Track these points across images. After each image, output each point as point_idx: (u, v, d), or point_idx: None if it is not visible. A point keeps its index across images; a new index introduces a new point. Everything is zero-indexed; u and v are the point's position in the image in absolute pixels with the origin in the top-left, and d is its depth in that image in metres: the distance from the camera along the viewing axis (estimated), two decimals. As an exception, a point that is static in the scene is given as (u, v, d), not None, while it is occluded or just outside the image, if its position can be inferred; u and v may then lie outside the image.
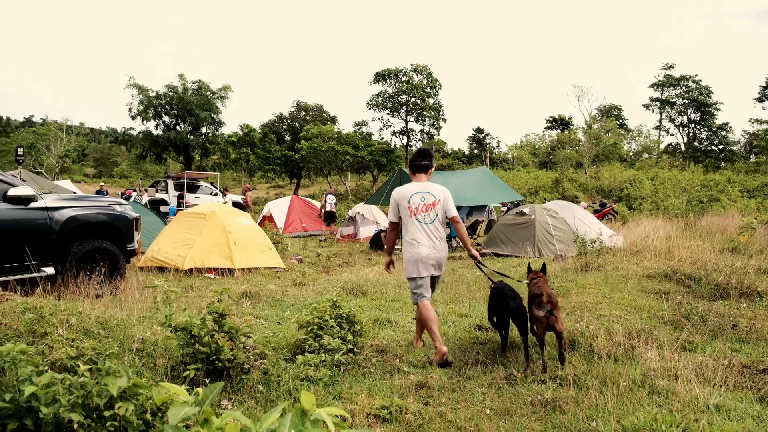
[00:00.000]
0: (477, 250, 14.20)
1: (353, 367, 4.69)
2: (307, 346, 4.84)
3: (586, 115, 58.46)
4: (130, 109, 47.56)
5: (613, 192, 33.70)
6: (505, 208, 23.37)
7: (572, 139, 52.75)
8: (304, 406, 2.23)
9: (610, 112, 57.22)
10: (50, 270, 7.87)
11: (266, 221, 22.21)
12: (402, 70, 46.56)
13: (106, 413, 2.63)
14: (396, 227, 5.82)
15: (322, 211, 20.78)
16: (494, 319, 5.46)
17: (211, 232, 11.00)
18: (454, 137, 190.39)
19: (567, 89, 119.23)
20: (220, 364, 3.98)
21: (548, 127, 64.96)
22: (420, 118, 46.99)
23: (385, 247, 6.53)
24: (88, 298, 7.67)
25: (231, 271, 10.64)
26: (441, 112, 46.46)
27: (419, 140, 48.53)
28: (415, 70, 46.28)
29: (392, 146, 47.38)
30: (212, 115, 48.42)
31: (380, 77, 47.19)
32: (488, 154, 58.19)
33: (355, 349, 4.92)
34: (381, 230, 15.70)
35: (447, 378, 4.65)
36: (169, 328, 4.06)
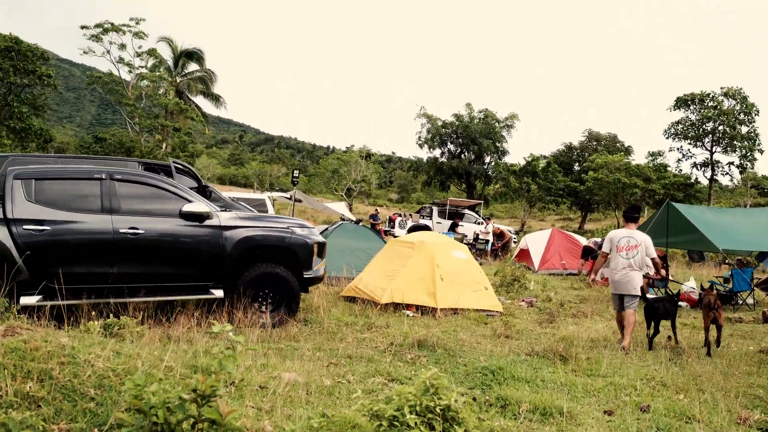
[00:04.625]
0: (766, 312, 10.85)
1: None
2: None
3: None
4: (419, 138, 49.40)
5: None
6: (828, 259, 18.35)
7: None
8: None
9: None
10: (219, 293, 7.38)
11: (520, 255, 20.56)
12: (709, 94, 40.77)
13: None
14: (606, 256, 8.31)
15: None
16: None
17: (418, 264, 9.81)
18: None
19: None
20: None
21: None
22: (729, 149, 40.53)
23: (594, 267, 8.93)
24: (251, 326, 7.00)
25: (434, 310, 9.30)
26: (756, 142, 39.46)
27: (726, 173, 41.89)
28: (726, 95, 40.14)
29: (693, 179, 41.66)
30: (496, 143, 47.96)
31: (682, 103, 41.88)
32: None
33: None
34: (645, 275, 12.02)
35: None
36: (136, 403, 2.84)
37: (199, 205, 7.31)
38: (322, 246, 8.27)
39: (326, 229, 13.36)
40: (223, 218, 7.49)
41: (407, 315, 9.13)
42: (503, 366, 5.88)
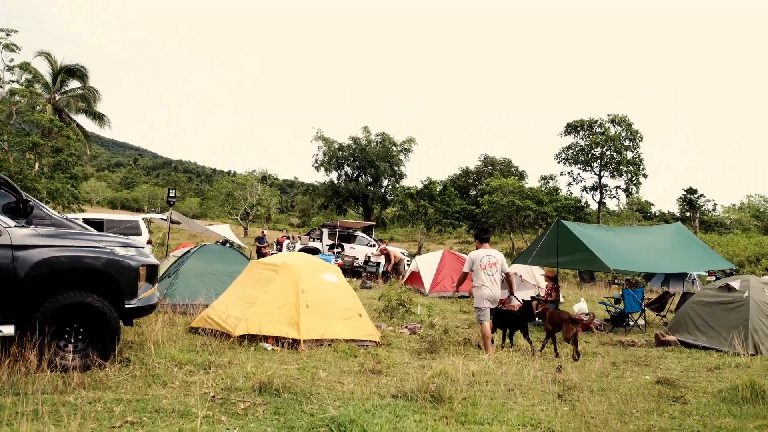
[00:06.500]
0: (659, 335, 10.26)
1: None
2: None
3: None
4: (315, 160, 48.29)
5: None
6: (713, 278, 18.41)
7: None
8: None
9: None
10: (9, 329, 5.78)
11: (411, 278, 19.70)
12: (597, 120, 42.09)
13: None
14: (467, 276, 9.05)
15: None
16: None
17: (280, 288, 8.49)
18: (665, 198, 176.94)
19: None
20: None
21: (778, 187, 55.54)
22: (616, 173, 41.85)
23: (458, 283, 9.61)
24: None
25: (297, 342, 7.99)
26: (641, 167, 40.94)
27: (614, 197, 43.20)
28: (612, 121, 41.53)
29: (583, 203, 42.62)
30: (393, 167, 47.51)
31: (572, 128, 43.05)
32: (698, 216, 50.49)
33: None
34: (535, 297, 11.08)
35: None
36: None
37: (-21, 219, 5.72)
38: (152, 269, 6.83)
39: (188, 251, 11.80)
40: (16, 235, 5.90)
41: (266, 349, 7.78)
42: (355, 417, 4.65)
